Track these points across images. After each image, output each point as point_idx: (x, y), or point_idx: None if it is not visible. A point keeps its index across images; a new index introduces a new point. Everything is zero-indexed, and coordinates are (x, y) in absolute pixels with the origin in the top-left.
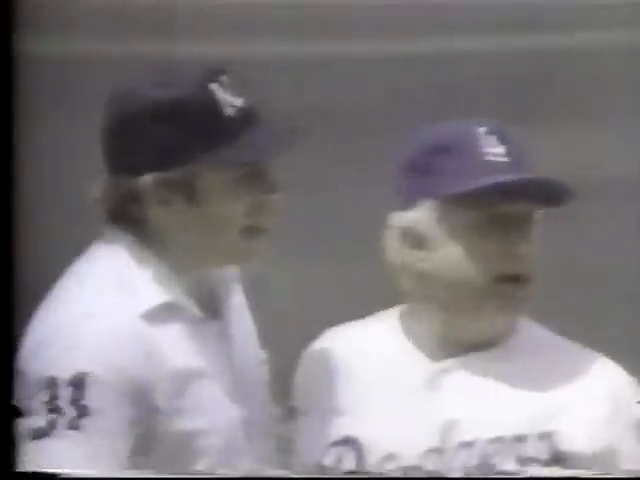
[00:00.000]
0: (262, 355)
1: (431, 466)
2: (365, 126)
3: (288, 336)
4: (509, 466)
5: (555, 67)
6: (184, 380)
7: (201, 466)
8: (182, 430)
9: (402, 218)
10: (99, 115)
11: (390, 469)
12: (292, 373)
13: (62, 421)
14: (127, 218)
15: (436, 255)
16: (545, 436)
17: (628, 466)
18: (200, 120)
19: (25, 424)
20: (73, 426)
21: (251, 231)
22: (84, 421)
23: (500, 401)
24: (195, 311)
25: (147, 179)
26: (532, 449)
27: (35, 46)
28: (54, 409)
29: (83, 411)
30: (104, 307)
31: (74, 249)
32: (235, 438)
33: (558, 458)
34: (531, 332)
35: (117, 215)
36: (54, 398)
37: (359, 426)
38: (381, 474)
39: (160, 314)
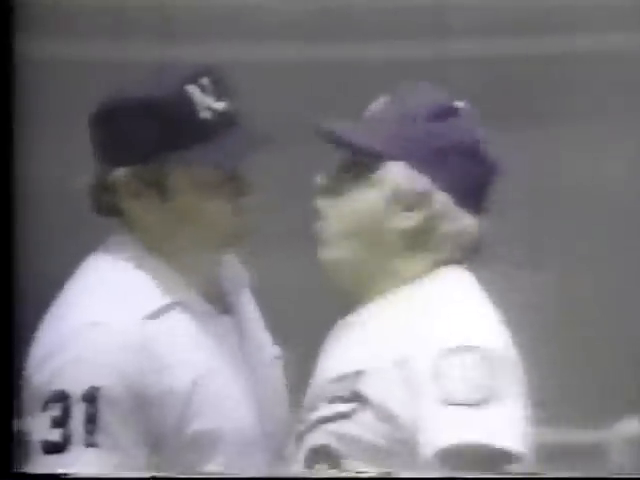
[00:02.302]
0: (275, 350)
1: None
2: None
3: (298, 333)
4: (324, 404)
5: (555, 69)
6: (198, 380)
7: (218, 464)
8: (199, 430)
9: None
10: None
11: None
12: (304, 369)
13: (77, 438)
14: (103, 209)
15: None
16: (351, 376)
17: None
18: (173, 120)
19: (33, 435)
20: (90, 443)
21: (226, 230)
22: (100, 438)
23: (356, 344)
24: (205, 307)
25: (120, 171)
26: (340, 388)
27: (35, 48)
28: (68, 424)
29: (98, 427)
30: (109, 315)
31: (75, 251)
32: (251, 434)
33: (355, 398)
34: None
35: (95, 205)
36: (67, 413)
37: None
38: (382, 474)
39: (166, 315)
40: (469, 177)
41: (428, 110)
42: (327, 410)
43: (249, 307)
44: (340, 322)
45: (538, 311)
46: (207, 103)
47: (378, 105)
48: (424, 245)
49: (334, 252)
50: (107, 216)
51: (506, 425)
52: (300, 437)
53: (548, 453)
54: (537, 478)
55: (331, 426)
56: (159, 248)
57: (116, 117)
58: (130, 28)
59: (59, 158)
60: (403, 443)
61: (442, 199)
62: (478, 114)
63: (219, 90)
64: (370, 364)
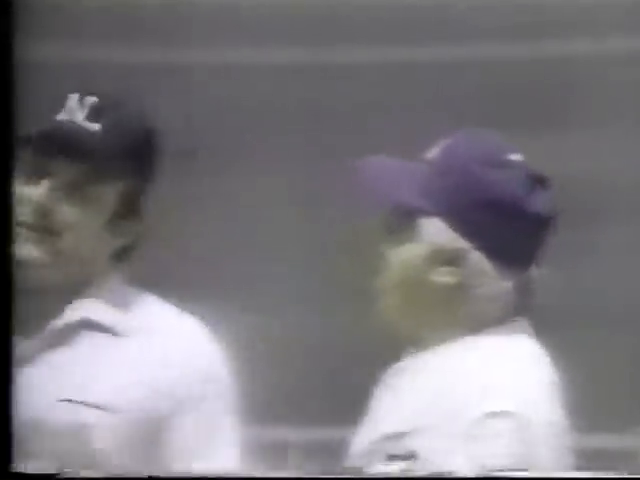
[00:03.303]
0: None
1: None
2: (365, 130)
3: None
4: (381, 462)
5: (556, 73)
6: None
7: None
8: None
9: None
10: None
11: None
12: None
13: None
14: None
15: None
16: (407, 434)
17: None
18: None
19: None
20: None
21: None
22: None
23: (408, 399)
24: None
25: None
26: (397, 445)
27: (35, 49)
28: None
29: None
30: None
31: None
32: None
33: (410, 456)
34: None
35: None
36: None
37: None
38: (381, 474)
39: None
40: (509, 235)
41: (473, 162)
42: (385, 468)
43: (158, 330)
44: (392, 369)
45: (572, 317)
46: (74, 112)
47: (430, 154)
48: (467, 302)
49: (387, 301)
50: None
51: None
52: None
53: (585, 459)
54: (548, 478)
55: None
56: None
57: None
58: (131, 30)
59: None
60: None
61: (476, 258)
62: (527, 166)
63: (102, 114)
64: (422, 421)
